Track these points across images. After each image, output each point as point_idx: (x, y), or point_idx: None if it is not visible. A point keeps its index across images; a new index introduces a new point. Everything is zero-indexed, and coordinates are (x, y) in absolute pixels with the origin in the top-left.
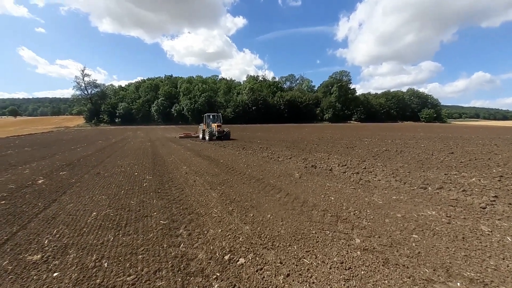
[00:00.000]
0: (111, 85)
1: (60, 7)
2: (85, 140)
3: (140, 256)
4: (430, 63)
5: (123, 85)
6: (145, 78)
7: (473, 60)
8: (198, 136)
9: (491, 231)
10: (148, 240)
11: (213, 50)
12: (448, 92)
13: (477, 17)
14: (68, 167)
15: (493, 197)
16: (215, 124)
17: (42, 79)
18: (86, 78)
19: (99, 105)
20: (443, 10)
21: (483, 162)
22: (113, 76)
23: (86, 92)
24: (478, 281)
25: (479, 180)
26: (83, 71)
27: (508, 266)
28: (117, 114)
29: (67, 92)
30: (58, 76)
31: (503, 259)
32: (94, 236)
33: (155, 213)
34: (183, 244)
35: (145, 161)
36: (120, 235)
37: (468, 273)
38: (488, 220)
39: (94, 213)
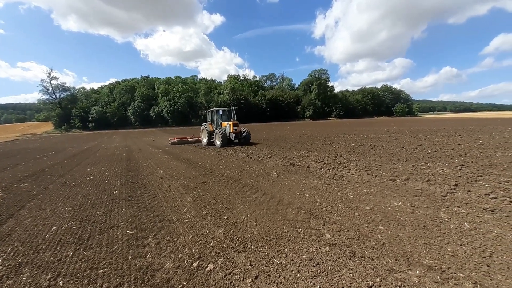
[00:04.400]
0: (82, 88)
1: (19, 6)
2: (54, 147)
3: (101, 271)
4: (402, 59)
5: (95, 88)
6: (119, 80)
7: (441, 56)
8: (198, 141)
9: (450, 218)
10: (112, 252)
11: (190, 49)
12: (419, 87)
13: (445, 14)
14: (30, 178)
15: (453, 185)
16: (231, 123)
17: (3, 83)
18: (53, 81)
19: (70, 110)
20: (413, 7)
21: (447, 153)
22: (83, 78)
23: (54, 96)
24: (436, 268)
25: (442, 169)
26: (50, 73)
27: (465, 252)
28: (90, 118)
29: (32, 97)
30: (21, 80)
31: (460, 245)
32: (52, 252)
33: (122, 223)
34: (150, 254)
35: (118, 168)
36: (81, 250)
37: (427, 261)
38: (448, 207)
39: (54, 227)
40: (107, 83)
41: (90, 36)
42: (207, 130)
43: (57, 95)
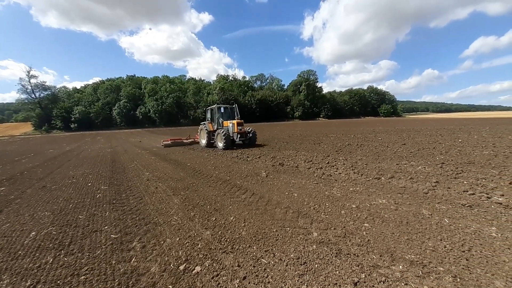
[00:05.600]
0: (64, 87)
1: None
2: (33, 149)
3: (83, 277)
4: (387, 61)
5: (78, 87)
6: (103, 79)
7: (424, 58)
8: (195, 142)
9: (431, 214)
10: (95, 258)
11: (178, 48)
12: (403, 88)
13: (428, 17)
14: (8, 182)
15: (434, 182)
16: (235, 122)
17: None
18: (32, 80)
19: (50, 110)
20: (397, 10)
21: (429, 151)
22: (65, 77)
23: (33, 96)
24: (418, 262)
25: (424, 168)
26: (28, 72)
27: (445, 247)
28: (73, 119)
29: (10, 96)
30: None
31: (441, 240)
32: (31, 259)
33: (106, 227)
34: (135, 258)
35: (102, 170)
36: (62, 255)
37: (409, 256)
38: (429, 204)
39: (33, 233)
40: (90, 82)
41: (71, 33)
42: (206, 130)
43: (37, 94)
